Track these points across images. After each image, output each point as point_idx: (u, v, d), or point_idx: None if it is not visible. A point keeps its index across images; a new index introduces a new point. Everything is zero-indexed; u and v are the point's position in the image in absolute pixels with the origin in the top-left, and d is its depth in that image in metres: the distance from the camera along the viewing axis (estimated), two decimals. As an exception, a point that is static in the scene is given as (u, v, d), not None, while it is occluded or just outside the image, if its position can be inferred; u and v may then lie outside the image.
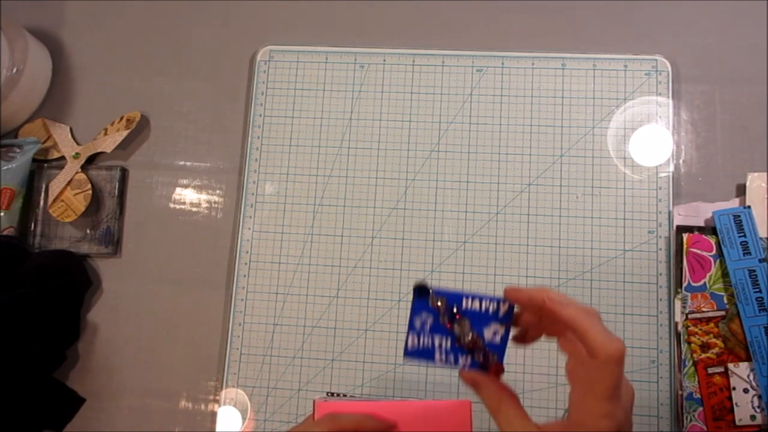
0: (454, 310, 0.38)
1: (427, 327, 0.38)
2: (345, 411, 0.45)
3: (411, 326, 0.38)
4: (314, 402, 0.47)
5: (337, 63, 0.67)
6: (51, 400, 0.61)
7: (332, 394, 0.53)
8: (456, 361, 0.38)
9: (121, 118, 0.67)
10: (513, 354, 0.58)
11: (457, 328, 0.37)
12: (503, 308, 0.37)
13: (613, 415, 0.33)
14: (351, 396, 0.50)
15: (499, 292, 0.40)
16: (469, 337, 0.37)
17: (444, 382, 0.59)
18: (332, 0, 0.69)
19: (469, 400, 0.47)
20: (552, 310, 0.35)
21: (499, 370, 0.38)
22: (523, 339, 0.40)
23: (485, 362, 0.38)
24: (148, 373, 0.63)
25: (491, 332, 0.37)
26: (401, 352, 0.60)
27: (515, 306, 0.37)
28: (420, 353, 0.38)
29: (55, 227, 0.66)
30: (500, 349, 0.37)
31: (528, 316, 0.38)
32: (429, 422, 0.45)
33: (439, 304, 0.38)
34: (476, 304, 0.37)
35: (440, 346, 0.38)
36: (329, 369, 0.61)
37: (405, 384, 0.60)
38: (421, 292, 0.38)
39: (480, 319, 0.37)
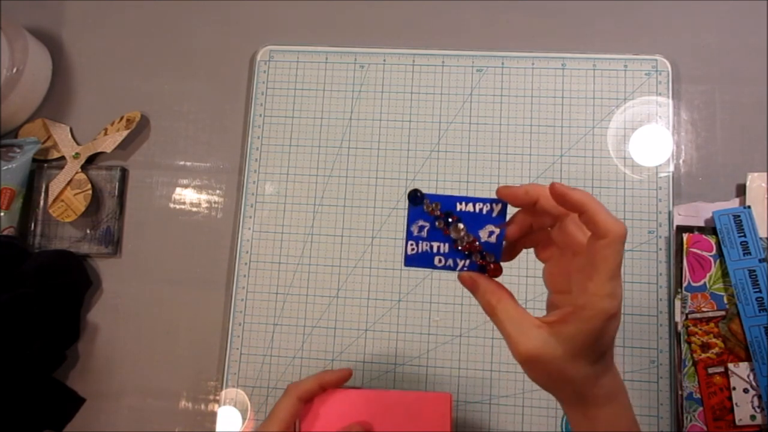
0: (449, 214, 0.38)
1: (424, 233, 0.39)
2: (322, 394, 0.46)
3: (408, 234, 0.39)
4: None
5: (337, 63, 0.67)
6: (51, 400, 0.61)
7: None
8: (455, 264, 0.38)
9: (121, 118, 0.67)
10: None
11: (453, 231, 0.38)
12: (496, 208, 0.38)
13: (616, 294, 0.34)
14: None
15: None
16: (466, 240, 0.38)
17: (444, 382, 0.59)
18: (332, 0, 0.69)
19: (449, 393, 0.47)
20: (562, 193, 0.35)
21: (498, 270, 0.38)
22: (509, 253, 0.40)
23: (483, 264, 0.38)
24: (148, 373, 0.63)
25: (486, 233, 0.38)
26: (402, 352, 0.60)
27: (508, 205, 0.38)
28: (420, 259, 0.39)
29: (55, 227, 0.66)
30: (496, 249, 0.38)
31: (522, 218, 0.38)
32: (409, 412, 0.45)
33: (433, 209, 0.38)
34: (470, 206, 0.38)
35: (438, 250, 0.38)
36: (329, 369, 0.60)
37: (405, 384, 0.60)
38: (415, 198, 0.38)
39: (475, 221, 0.38)
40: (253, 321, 0.62)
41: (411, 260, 0.39)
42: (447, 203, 0.38)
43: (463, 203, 0.38)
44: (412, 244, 0.39)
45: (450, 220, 0.38)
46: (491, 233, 0.38)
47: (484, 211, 0.38)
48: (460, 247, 0.38)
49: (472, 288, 0.38)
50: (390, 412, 0.45)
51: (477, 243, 0.38)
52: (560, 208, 0.36)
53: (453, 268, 0.39)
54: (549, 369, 0.36)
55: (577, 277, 0.36)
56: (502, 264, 0.38)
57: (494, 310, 0.37)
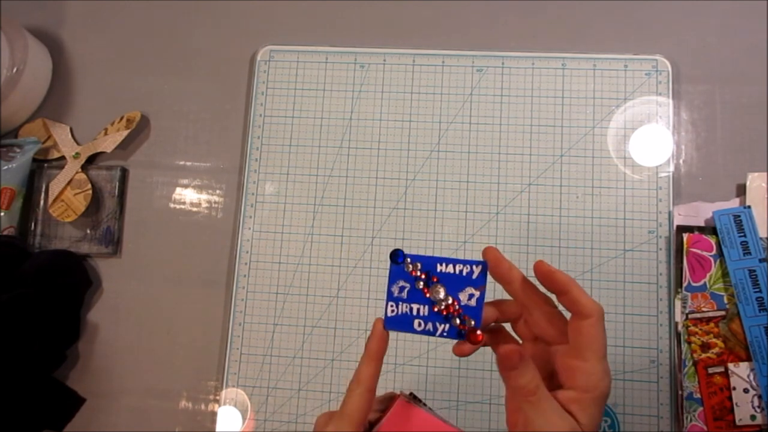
0: (430, 275, 0.38)
1: (405, 294, 0.38)
2: (407, 411, 0.42)
3: (389, 294, 0.39)
4: (399, 396, 0.43)
5: (337, 63, 0.67)
6: (51, 400, 0.61)
7: (414, 397, 0.50)
8: (435, 329, 0.38)
9: (121, 118, 0.67)
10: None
11: (434, 293, 0.38)
12: (477, 270, 0.38)
13: (609, 371, 0.36)
14: (429, 408, 0.47)
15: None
16: (446, 302, 0.37)
17: (444, 382, 0.59)
18: (332, 0, 0.69)
19: None
20: (548, 272, 0.36)
21: (478, 336, 0.37)
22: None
23: (463, 328, 0.38)
24: (148, 373, 0.63)
25: (466, 296, 0.38)
26: (402, 352, 0.60)
27: (488, 268, 0.38)
28: (399, 322, 0.39)
29: (55, 227, 0.66)
30: (476, 312, 0.37)
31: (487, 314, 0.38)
32: None
33: (414, 269, 0.38)
34: (450, 267, 0.38)
35: (418, 313, 0.38)
36: (329, 369, 0.61)
37: (405, 384, 0.60)
38: (396, 258, 0.38)
39: (455, 283, 0.38)
40: (253, 321, 0.62)
41: (391, 323, 0.39)
42: (427, 263, 0.38)
43: (444, 264, 0.38)
44: (392, 305, 0.39)
45: (431, 281, 0.38)
46: (471, 296, 0.37)
47: (464, 273, 0.38)
48: (441, 308, 0.38)
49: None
50: None
51: (457, 305, 0.37)
52: (530, 297, 0.37)
53: (432, 333, 0.38)
54: None
55: (565, 360, 0.36)
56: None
57: (536, 390, 0.35)
